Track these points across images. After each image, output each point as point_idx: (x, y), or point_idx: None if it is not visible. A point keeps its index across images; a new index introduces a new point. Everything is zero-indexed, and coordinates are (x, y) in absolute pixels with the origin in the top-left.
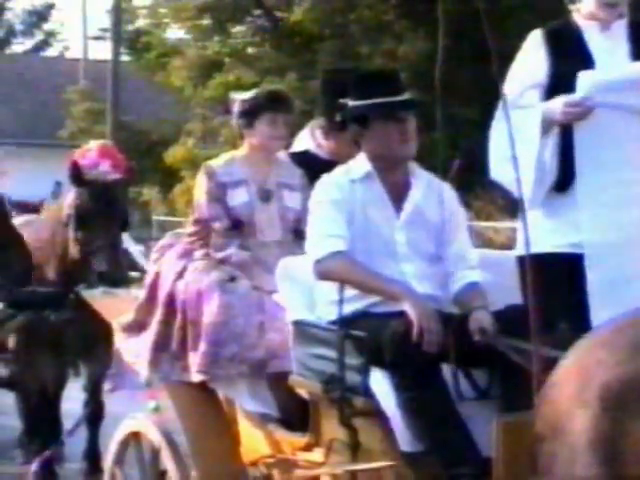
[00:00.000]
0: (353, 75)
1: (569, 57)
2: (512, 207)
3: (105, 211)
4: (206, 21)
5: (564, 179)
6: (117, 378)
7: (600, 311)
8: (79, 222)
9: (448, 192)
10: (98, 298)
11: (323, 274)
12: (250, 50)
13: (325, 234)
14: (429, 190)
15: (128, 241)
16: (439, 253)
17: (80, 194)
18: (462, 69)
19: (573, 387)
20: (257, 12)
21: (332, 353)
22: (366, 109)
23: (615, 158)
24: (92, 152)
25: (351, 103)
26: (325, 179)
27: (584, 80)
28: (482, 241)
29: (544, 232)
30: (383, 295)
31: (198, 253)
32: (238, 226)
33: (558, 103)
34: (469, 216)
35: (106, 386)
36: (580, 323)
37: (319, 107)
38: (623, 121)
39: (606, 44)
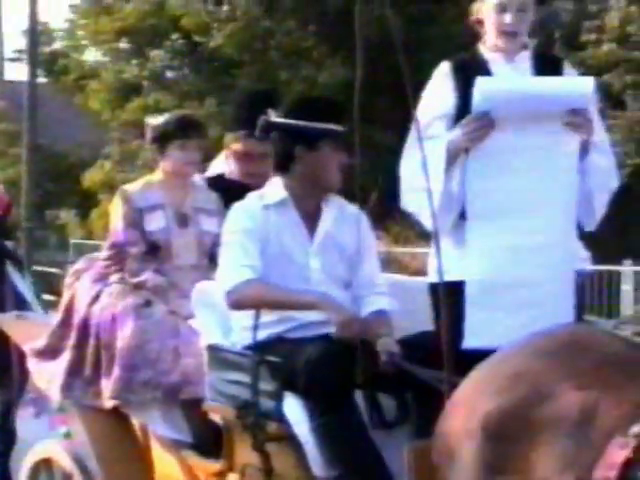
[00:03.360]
0: (299, 97)
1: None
2: (428, 233)
3: None
4: (124, 44)
5: None
6: (39, 402)
7: (475, 314)
8: None
9: (360, 217)
10: (11, 322)
11: (237, 303)
12: (169, 74)
13: (236, 264)
14: (341, 215)
15: (20, 281)
16: (351, 278)
17: None
18: (380, 96)
19: (461, 418)
20: (175, 36)
21: (246, 378)
22: (319, 132)
23: (501, 167)
24: None
25: (301, 123)
26: (237, 207)
27: (480, 84)
28: (398, 266)
29: (452, 260)
30: (301, 307)
31: (113, 277)
32: (155, 251)
33: (458, 129)
34: (386, 241)
35: (29, 410)
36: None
37: (235, 121)
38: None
39: (511, 75)
